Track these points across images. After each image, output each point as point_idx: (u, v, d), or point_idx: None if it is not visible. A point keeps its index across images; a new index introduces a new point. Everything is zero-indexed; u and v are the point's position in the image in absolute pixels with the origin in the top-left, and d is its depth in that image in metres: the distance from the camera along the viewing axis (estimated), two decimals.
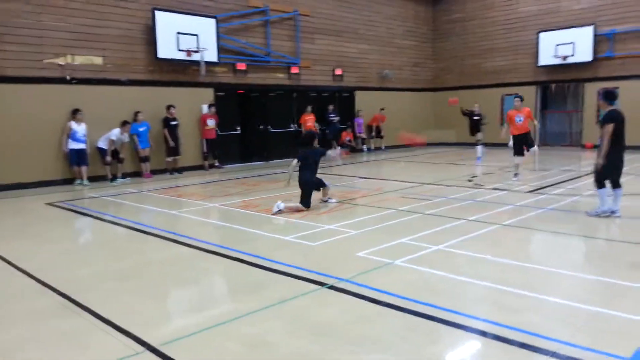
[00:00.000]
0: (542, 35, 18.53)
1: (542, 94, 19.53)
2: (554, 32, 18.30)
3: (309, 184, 8.27)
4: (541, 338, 3.46)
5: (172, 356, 3.35)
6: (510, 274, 4.88)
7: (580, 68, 18.04)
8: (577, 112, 18.90)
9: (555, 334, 3.53)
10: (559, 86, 19.32)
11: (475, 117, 15.63)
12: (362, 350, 3.40)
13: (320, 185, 8.61)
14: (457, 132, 20.94)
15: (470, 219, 7.15)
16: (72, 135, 11.59)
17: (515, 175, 10.91)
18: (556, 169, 12.34)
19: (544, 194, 9.13)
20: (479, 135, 15.56)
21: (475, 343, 3.55)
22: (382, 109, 19.26)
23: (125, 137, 12.41)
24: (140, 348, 3.48)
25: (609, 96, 7.15)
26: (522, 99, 11.25)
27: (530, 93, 18.88)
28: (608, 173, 7.04)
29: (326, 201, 8.72)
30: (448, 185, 10.31)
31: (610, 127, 6.84)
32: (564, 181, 10.60)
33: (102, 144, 12.15)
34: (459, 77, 21.25)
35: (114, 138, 12.12)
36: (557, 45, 18.10)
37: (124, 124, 12.26)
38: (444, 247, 5.78)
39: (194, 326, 3.87)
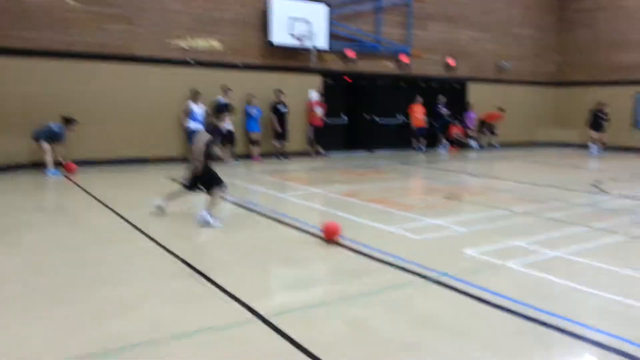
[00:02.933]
0: None
1: None
2: None
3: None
4: None
5: (280, 327, 3.49)
6: (637, 287, 4.45)
7: None
8: None
9: None
10: None
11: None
12: (466, 346, 3.31)
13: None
14: (581, 132, 19.37)
15: (593, 226, 6.60)
16: (191, 115, 12.37)
17: None
18: None
19: None
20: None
21: (591, 354, 3.29)
22: (502, 110, 18.10)
23: (201, 111, 12.69)
24: (251, 316, 3.68)
25: None
26: None
27: None
28: None
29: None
30: (569, 189, 9.60)
31: None
32: None
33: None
34: (586, 72, 19.45)
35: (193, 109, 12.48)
36: None
37: (226, 90, 12.66)
38: (562, 253, 5.40)
39: (301, 303, 4.02)
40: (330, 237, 5.71)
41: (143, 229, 6.09)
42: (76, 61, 11.46)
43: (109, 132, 11.91)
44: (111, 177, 10.28)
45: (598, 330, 3.55)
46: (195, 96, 12.37)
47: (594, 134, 15.66)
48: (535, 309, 3.91)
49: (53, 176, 10.02)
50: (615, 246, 5.80)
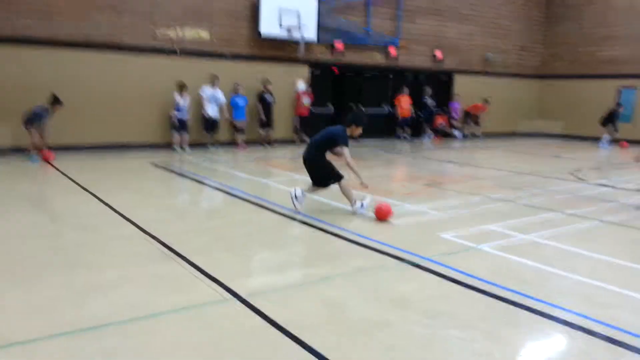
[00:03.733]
0: None
1: None
2: None
3: (308, 163, 6.54)
4: (630, 335, 3.27)
5: (257, 306, 3.57)
6: (604, 270, 4.61)
7: None
8: None
9: None
10: None
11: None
12: (438, 324, 3.42)
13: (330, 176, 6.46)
14: (563, 123, 19.67)
15: (567, 212, 6.77)
16: (176, 107, 12.38)
17: None
18: None
19: None
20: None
21: (556, 331, 3.42)
22: (486, 101, 18.31)
23: (220, 95, 12.80)
24: (228, 296, 3.76)
25: None
26: None
27: None
28: None
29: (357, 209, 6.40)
30: (547, 177, 9.78)
31: None
32: None
33: (204, 112, 12.82)
34: (571, 65, 19.70)
35: (203, 95, 12.62)
36: None
37: (214, 77, 12.70)
38: (534, 237, 5.55)
39: (278, 283, 4.10)
40: (382, 217, 5.96)
41: (125, 214, 6.12)
42: (61, 50, 11.36)
43: (93, 119, 11.86)
44: (93, 163, 10.24)
45: (565, 310, 3.68)
46: (181, 88, 12.33)
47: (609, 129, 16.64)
48: (507, 289, 4.03)
49: (35, 162, 9.95)
50: (587, 231, 5.96)
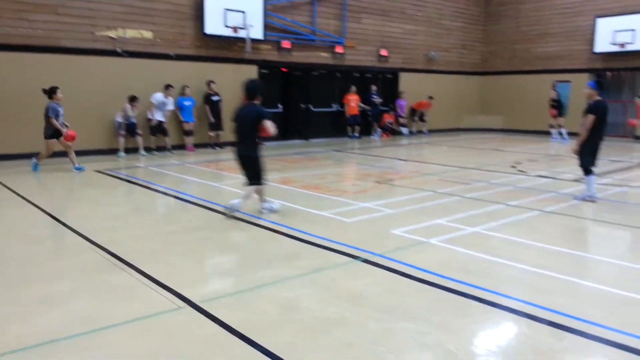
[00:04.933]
0: (599, 20, 17.74)
1: None
2: (612, 17, 17.47)
3: (247, 159, 6.37)
4: (571, 318, 3.48)
5: (212, 312, 3.55)
6: (545, 258, 4.85)
7: (639, 56, 17.22)
8: (633, 103, 18.08)
9: (586, 315, 3.53)
10: (614, 75, 18.51)
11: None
12: (391, 319, 3.51)
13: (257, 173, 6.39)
14: (503, 118, 20.51)
15: (509, 204, 7.08)
16: (124, 118, 12.05)
17: None
18: (605, 159, 11.95)
19: None
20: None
21: (503, 319, 3.59)
22: (431, 97, 18.85)
23: (170, 103, 12.68)
24: (182, 304, 3.71)
25: (600, 86, 7.27)
26: None
27: (584, 81, 18.17)
28: (584, 160, 7.25)
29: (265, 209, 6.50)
30: (490, 171, 10.18)
31: (591, 119, 7.05)
32: (612, 172, 10.28)
33: (149, 113, 12.54)
34: (509, 62, 20.60)
35: (154, 102, 12.43)
36: (616, 31, 17.30)
37: (167, 87, 12.52)
38: (480, 229, 5.78)
39: (232, 288, 4.09)
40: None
41: (70, 225, 5.90)
42: None
43: (32, 125, 11.29)
44: (33, 172, 9.79)
45: (511, 298, 3.86)
46: (132, 100, 11.97)
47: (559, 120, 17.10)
48: (456, 280, 4.19)
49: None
50: (529, 221, 6.26)
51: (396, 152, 14.27)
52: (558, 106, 16.90)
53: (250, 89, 6.35)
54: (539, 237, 5.48)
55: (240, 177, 6.62)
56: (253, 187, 6.41)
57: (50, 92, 9.57)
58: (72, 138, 9.70)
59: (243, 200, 6.29)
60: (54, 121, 9.44)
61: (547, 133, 17.54)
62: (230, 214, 6.24)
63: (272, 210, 6.46)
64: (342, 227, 5.91)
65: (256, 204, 6.57)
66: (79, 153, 11.83)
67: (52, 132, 9.52)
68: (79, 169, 9.80)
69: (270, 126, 6.17)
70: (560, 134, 16.94)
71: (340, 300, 3.83)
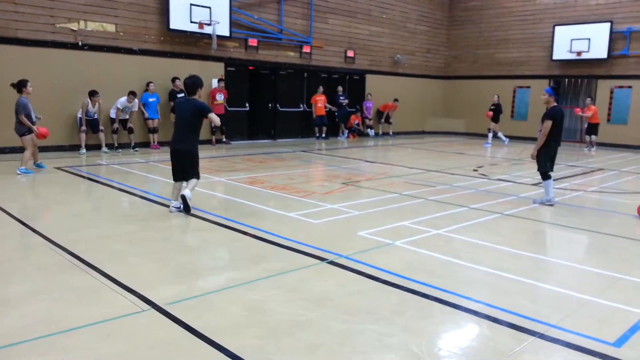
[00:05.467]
0: (557, 28, 18.38)
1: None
2: (570, 26, 18.14)
3: (187, 155, 6.39)
4: (530, 320, 3.60)
5: (176, 315, 3.50)
6: (506, 260, 5.00)
7: (595, 64, 17.93)
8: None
9: (544, 317, 3.66)
10: (571, 82, 19.21)
11: (492, 107, 17.15)
12: (355, 320, 3.55)
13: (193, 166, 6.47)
14: (466, 121, 20.99)
15: (472, 206, 7.26)
16: (86, 113, 11.73)
17: None
18: (563, 164, 12.39)
19: None
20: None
21: (464, 321, 3.67)
22: (396, 100, 19.14)
23: (135, 106, 12.48)
24: (145, 306, 3.64)
25: (555, 92, 7.58)
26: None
27: (542, 87, 18.78)
28: (542, 165, 7.51)
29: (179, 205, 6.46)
30: (453, 174, 10.40)
31: (548, 124, 7.32)
32: (569, 176, 10.67)
33: (112, 113, 12.27)
34: (472, 67, 21.12)
35: (119, 107, 12.19)
36: (573, 40, 17.96)
37: (131, 93, 12.31)
38: (443, 231, 5.90)
39: (197, 289, 4.04)
40: None
41: (29, 224, 5.71)
42: None
43: None
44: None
45: (473, 300, 3.96)
46: (91, 95, 11.65)
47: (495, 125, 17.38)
48: (420, 282, 4.27)
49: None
50: (491, 224, 6.43)
51: (363, 153, 14.40)
52: (495, 111, 17.17)
53: (189, 84, 6.34)
54: (499, 240, 5.64)
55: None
56: (195, 180, 6.48)
57: (20, 86, 8.96)
58: (44, 136, 9.19)
59: (190, 193, 6.35)
60: (24, 119, 8.85)
61: (508, 138, 18.01)
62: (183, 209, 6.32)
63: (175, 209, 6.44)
64: (309, 229, 5.93)
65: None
66: (38, 150, 11.46)
67: (26, 129, 8.92)
68: (39, 166, 9.39)
69: (216, 119, 6.29)
70: (498, 137, 17.43)
71: (306, 301, 3.85)
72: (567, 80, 19.14)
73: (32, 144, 8.99)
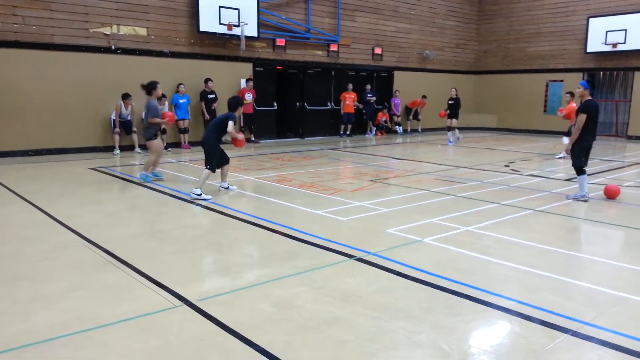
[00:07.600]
0: (592, 20, 17.86)
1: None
2: (604, 17, 17.61)
3: (206, 145, 7.67)
4: (563, 317, 3.53)
5: (207, 311, 3.57)
6: (537, 257, 4.91)
7: (631, 56, 17.36)
8: (625, 102, 18.24)
9: (577, 314, 3.58)
10: (606, 74, 18.66)
11: (450, 102, 15.69)
12: (384, 317, 3.55)
13: (221, 159, 7.75)
14: (497, 117, 20.63)
15: (503, 203, 7.14)
16: (119, 115, 12.07)
17: None
18: (597, 159, 12.06)
19: None
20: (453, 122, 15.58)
21: (495, 318, 3.63)
22: (424, 96, 18.87)
23: (165, 108, 12.60)
24: (178, 302, 3.73)
25: (591, 86, 7.29)
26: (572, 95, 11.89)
27: (577, 80, 18.29)
28: (577, 160, 7.34)
29: (226, 187, 7.92)
30: (484, 170, 10.25)
31: (583, 118, 7.13)
32: (604, 171, 10.38)
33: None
34: (503, 61, 20.73)
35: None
36: (608, 31, 17.43)
37: (163, 96, 12.47)
38: (473, 228, 5.83)
39: (227, 286, 4.10)
40: (612, 195, 7.35)
41: (65, 222, 5.90)
42: None
43: (25, 122, 11.29)
44: (29, 170, 9.76)
45: (503, 297, 3.91)
46: (125, 99, 12.01)
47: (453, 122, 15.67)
48: (449, 279, 4.23)
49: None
50: (522, 220, 6.32)
51: (391, 150, 14.32)
52: (453, 106, 15.61)
53: (229, 102, 7.74)
54: (531, 236, 5.54)
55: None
56: (206, 172, 7.54)
57: (150, 88, 8.49)
58: (171, 121, 9.14)
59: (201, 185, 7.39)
60: (155, 120, 8.50)
61: (538, 132, 17.61)
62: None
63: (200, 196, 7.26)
64: (337, 226, 5.95)
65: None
66: (74, 151, 11.87)
67: (154, 132, 8.59)
68: (155, 175, 8.79)
69: (233, 132, 7.50)
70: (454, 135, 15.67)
71: (334, 298, 3.87)
72: (601, 73, 18.60)
73: (157, 150, 8.67)
